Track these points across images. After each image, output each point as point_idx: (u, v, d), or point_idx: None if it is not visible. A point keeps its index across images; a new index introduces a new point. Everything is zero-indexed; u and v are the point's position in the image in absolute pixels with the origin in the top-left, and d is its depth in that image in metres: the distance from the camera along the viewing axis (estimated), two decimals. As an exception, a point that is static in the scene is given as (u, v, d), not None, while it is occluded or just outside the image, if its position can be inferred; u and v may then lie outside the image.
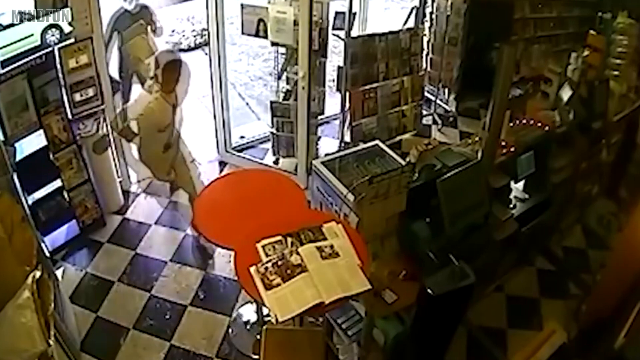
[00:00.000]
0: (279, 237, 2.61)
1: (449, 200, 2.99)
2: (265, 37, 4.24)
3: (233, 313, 3.64)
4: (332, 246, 2.56)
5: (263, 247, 2.57)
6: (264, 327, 2.68)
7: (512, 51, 3.22)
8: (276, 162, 4.95)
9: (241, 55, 6.96)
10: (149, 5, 4.82)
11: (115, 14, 4.59)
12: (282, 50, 4.42)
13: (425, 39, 5.43)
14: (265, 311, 2.96)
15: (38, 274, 2.54)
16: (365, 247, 2.67)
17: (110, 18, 4.53)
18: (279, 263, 2.47)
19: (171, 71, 3.36)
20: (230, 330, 3.53)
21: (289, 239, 2.60)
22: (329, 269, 2.46)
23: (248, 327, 3.55)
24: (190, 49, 7.03)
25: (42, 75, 3.45)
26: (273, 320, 2.32)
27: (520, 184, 3.80)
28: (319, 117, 4.89)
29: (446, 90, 5.86)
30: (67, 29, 3.49)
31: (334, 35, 4.61)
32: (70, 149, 3.78)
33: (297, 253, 2.51)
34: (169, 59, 3.36)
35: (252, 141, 5.28)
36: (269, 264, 2.47)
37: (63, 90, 3.64)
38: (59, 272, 3.73)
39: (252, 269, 2.45)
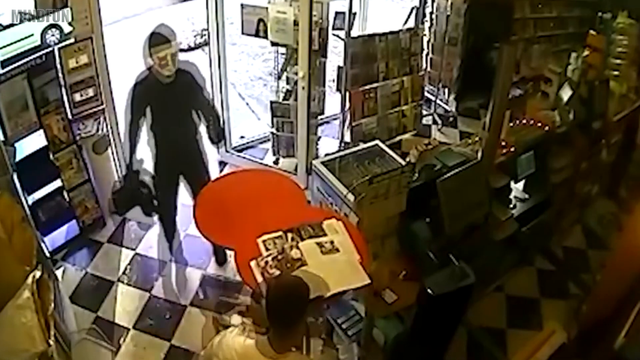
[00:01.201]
0: (280, 233, 2.62)
1: (449, 200, 2.99)
2: (265, 37, 4.24)
3: (233, 313, 3.64)
4: (332, 242, 2.58)
5: (263, 241, 2.58)
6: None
7: (512, 51, 3.22)
8: (276, 162, 4.95)
9: (241, 55, 6.95)
10: (195, 68, 3.25)
11: (139, 82, 3.10)
12: (282, 50, 4.41)
13: (425, 39, 5.43)
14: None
15: (38, 274, 2.55)
16: (365, 244, 2.68)
17: (131, 88, 3.11)
18: (279, 257, 2.49)
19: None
20: (230, 330, 3.53)
21: (290, 235, 2.61)
22: (329, 264, 2.47)
23: (248, 327, 3.55)
24: (190, 49, 7.01)
25: (42, 75, 3.44)
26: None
27: (520, 184, 3.80)
28: (319, 117, 4.88)
29: (446, 90, 5.85)
30: (67, 29, 3.48)
31: (334, 35, 4.60)
32: (70, 149, 3.78)
33: (297, 248, 2.53)
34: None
35: (252, 141, 5.28)
36: (269, 258, 2.48)
37: (63, 90, 3.63)
38: (59, 272, 3.73)
39: (253, 263, 2.47)
